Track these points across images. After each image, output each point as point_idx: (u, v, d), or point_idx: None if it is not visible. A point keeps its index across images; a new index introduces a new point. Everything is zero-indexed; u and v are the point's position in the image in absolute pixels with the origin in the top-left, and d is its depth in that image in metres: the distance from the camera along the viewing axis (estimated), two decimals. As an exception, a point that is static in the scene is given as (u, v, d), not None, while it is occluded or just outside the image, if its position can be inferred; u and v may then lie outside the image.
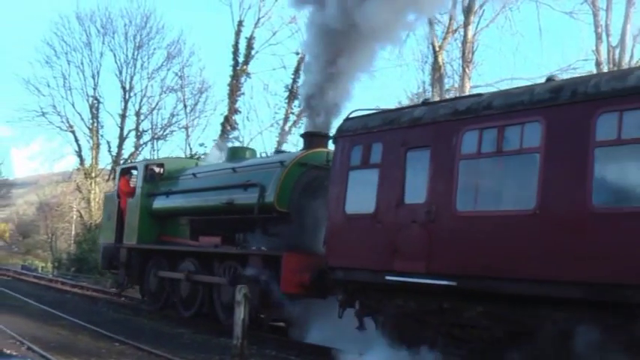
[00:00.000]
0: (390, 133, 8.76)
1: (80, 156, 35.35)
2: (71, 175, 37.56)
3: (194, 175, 13.33)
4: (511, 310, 7.30)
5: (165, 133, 34.52)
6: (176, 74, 33.46)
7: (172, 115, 33.76)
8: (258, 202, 10.96)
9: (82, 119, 35.99)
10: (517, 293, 7.09)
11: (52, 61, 35.34)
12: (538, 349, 6.96)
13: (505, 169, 7.41)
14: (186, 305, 12.77)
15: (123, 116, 34.79)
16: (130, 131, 34.94)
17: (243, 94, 28.77)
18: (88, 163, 34.84)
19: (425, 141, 8.26)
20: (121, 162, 31.86)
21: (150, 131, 34.48)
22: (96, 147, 34.69)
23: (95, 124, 34.88)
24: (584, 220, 6.50)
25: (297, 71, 26.62)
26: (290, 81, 27.41)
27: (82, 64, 35.33)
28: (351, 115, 9.83)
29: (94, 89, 35.49)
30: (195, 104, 32.83)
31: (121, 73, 34.95)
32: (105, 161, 37.94)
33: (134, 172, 15.09)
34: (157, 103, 34.41)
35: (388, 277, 8.36)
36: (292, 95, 27.39)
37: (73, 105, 36.80)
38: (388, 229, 8.44)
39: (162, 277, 13.38)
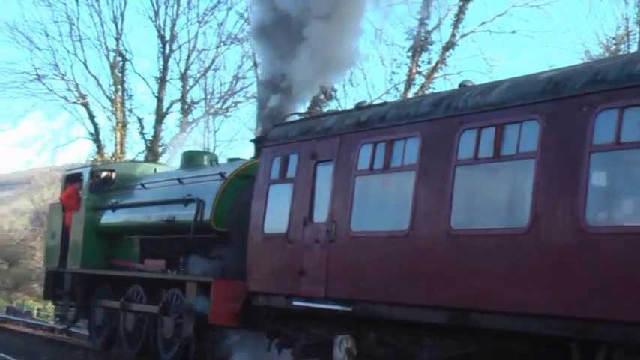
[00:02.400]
0: (304, 144, 12.08)
1: (97, 141, 34.55)
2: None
3: (142, 185, 17.04)
4: (396, 337, 10.45)
5: (226, 106, 33.80)
6: (241, 16, 31.36)
7: (237, 79, 32.55)
8: (195, 219, 14.49)
9: (100, 85, 34.56)
10: (398, 318, 10.22)
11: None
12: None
13: (389, 186, 10.57)
14: (131, 341, 16.48)
15: (162, 81, 33.55)
16: (172, 103, 33.72)
17: (342, 45, 30.50)
18: (109, 151, 33.85)
19: (330, 154, 11.52)
20: (159, 148, 32.63)
21: (203, 103, 33.41)
22: (121, 127, 33.66)
23: (120, 93, 33.72)
24: (443, 238, 9.55)
25: (428, 6, 26.97)
26: (415, 23, 27.07)
27: (97, 0, 33.84)
28: (284, 121, 13.23)
29: (117, 40, 34.07)
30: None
31: (157, 14, 33.06)
32: (136, 149, 35.59)
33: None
34: (213, 61, 32.51)
35: (295, 302, 11.69)
36: (419, 46, 27.59)
37: (85, 64, 34.95)
38: (296, 249, 11.78)
39: (103, 307, 17.17)
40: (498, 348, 9.25)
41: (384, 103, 11.67)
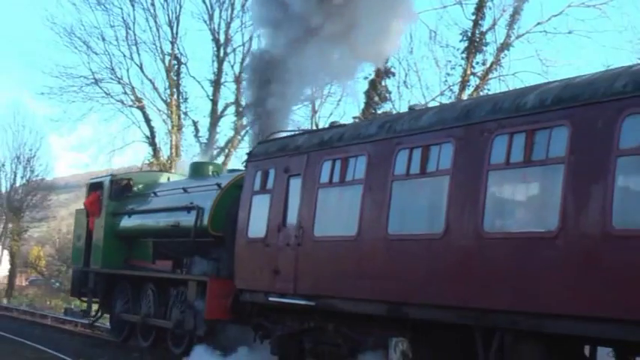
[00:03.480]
0: (280, 159, 14.19)
1: (153, 144, 35.65)
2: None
3: (155, 193, 19.35)
4: (350, 328, 12.51)
5: None
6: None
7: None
8: (195, 225, 16.72)
9: (155, 89, 35.68)
10: (351, 311, 12.27)
11: (107, 0, 35.78)
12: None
13: (343, 197, 12.63)
14: (146, 335, 18.79)
15: (216, 84, 34.58)
16: (227, 106, 34.60)
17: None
18: (165, 154, 34.81)
19: (300, 169, 13.61)
20: (214, 151, 33.84)
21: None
22: (177, 130, 34.74)
23: (175, 97, 34.81)
24: (382, 242, 11.56)
25: (480, 8, 27.32)
26: (470, 24, 27.39)
27: (152, 4, 34.76)
28: (268, 139, 15.38)
29: (173, 43, 35.15)
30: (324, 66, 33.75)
31: (211, 18, 33.99)
32: (191, 151, 35.86)
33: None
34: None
35: (270, 298, 13.81)
36: (473, 46, 27.94)
37: (140, 68, 36.07)
38: (272, 251, 13.89)
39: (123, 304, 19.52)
40: (427, 336, 11.23)
41: (344, 125, 13.72)
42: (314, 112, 33.60)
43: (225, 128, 37.25)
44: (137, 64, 36.35)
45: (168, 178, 20.87)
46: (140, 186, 20.63)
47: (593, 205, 8.75)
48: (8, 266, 52.13)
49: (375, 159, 12.06)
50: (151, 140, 36.11)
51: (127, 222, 19.97)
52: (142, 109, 36.15)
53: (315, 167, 13.26)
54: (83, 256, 21.18)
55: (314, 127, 28.84)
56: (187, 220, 17.13)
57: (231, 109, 35.39)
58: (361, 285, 11.95)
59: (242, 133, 34.71)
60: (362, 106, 29.64)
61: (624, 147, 8.58)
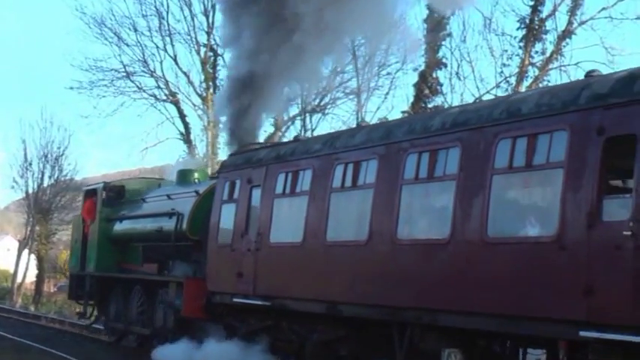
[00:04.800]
0: (245, 171, 16.33)
1: (188, 141, 35.63)
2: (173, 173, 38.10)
3: (144, 200, 21.60)
4: (301, 325, 14.60)
5: (323, 103, 34.08)
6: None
7: (335, 73, 32.45)
8: (175, 229, 18.93)
9: (191, 83, 35.26)
10: (298, 310, 14.37)
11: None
12: (309, 356, 14.20)
13: (293, 207, 14.72)
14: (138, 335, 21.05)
15: None
16: None
17: (449, 35, 28.23)
18: (200, 151, 34.54)
19: (260, 180, 15.72)
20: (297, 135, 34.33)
21: (299, 100, 33.19)
22: (213, 126, 33.97)
23: (212, 90, 34.21)
24: (322, 248, 13.64)
25: None
26: (528, 10, 26.65)
27: None
28: (239, 151, 17.54)
29: (208, 34, 34.41)
30: (371, 56, 31.55)
31: None
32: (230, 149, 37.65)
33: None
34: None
35: (234, 299, 15.95)
36: (532, 34, 27.26)
37: (174, 60, 35.57)
38: (237, 256, 16.02)
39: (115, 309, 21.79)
40: (359, 333, 13.29)
41: (297, 140, 15.82)
42: (360, 106, 33.60)
43: (265, 124, 36.01)
44: (171, 56, 36.28)
45: (159, 185, 22.95)
46: (132, 192, 22.78)
47: (475, 215, 10.75)
48: (36, 271, 52.61)
49: (319, 172, 14.12)
50: (186, 137, 36.15)
51: (119, 227, 22.26)
52: (176, 103, 36.19)
53: (272, 179, 15.35)
54: (80, 261, 23.42)
55: (361, 122, 29.92)
56: (169, 225, 19.32)
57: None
58: (306, 286, 14.02)
59: (283, 128, 35.09)
60: (411, 99, 29.66)
61: (498, 166, 10.55)
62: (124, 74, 36.85)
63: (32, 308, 42.17)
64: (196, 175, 21.45)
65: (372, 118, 31.87)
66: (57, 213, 51.76)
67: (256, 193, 15.86)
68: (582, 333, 9.21)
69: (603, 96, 9.45)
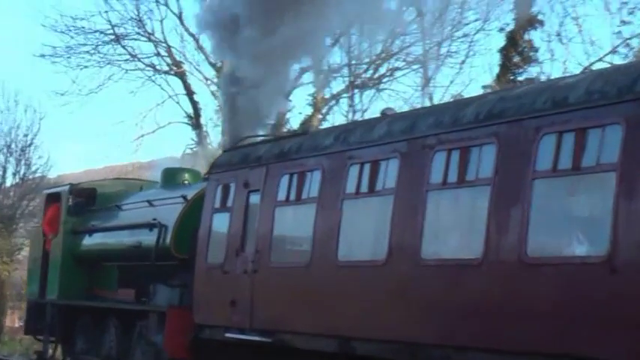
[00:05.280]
0: (241, 172, 17.24)
1: (198, 126, 35.89)
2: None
3: (119, 207, 22.50)
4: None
5: (378, 75, 34.25)
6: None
7: (393, 36, 32.53)
8: (157, 245, 19.81)
9: (201, 48, 35.42)
10: (305, 348, 15.23)
11: None
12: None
13: (298, 218, 15.59)
14: None
15: None
16: (303, 71, 33.45)
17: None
18: (214, 140, 34.69)
19: (259, 183, 16.61)
20: (308, 126, 31.72)
21: (347, 71, 33.60)
22: None
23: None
24: (332, 270, 14.51)
25: None
26: None
27: None
28: (234, 147, 18.47)
29: None
30: (442, 11, 31.58)
31: None
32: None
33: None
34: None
35: (227, 334, 16.86)
36: None
37: (179, 18, 35.79)
38: (230, 279, 16.92)
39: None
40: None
41: (305, 133, 16.70)
42: (426, 79, 33.74)
43: (301, 103, 37.49)
44: (174, 13, 36.42)
45: (141, 188, 23.64)
46: (105, 197, 23.57)
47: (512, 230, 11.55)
48: None
49: (329, 175, 14.97)
50: (195, 121, 36.37)
51: (88, 242, 23.22)
52: (181, 76, 36.37)
53: (274, 182, 16.23)
54: (39, 285, 24.34)
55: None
56: (149, 239, 20.19)
57: (309, 75, 34.67)
58: (312, 318, 14.90)
59: (323, 109, 35.34)
60: (496, 70, 29.66)
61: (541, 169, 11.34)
62: (113, 37, 36.89)
63: None
64: (186, 175, 22.19)
65: (442, 96, 31.97)
66: (23, 222, 49.92)
67: (255, 200, 16.73)
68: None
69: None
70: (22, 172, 49.78)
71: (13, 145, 49.41)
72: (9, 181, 50.41)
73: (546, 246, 11.34)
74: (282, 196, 16.03)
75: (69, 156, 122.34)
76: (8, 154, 49.65)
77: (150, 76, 37.38)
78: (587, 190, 11.02)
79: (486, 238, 11.87)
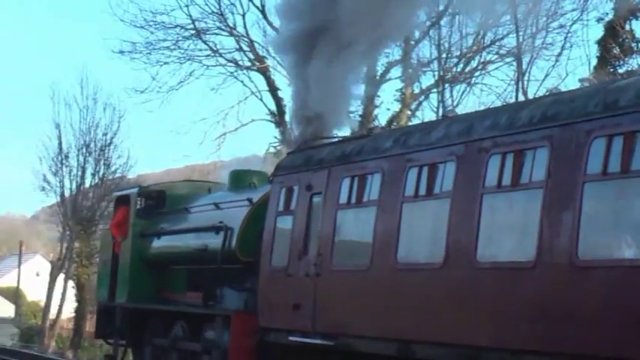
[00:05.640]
0: (304, 175, 17.55)
1: (282, 123, 35.57)
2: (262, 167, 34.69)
3: (187, 209, 22.89)
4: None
5: (469, 69, 34.30)
6: None
7: (485, 28, 32.70)
8: (223, 248, 20.18)
9: None
10: (365, 351, 15.50)
11: None
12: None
13: (359, 221, 15.85)
14: None
15: None
16: (390, 66, 33.50)
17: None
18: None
19: (321, 186, 16.90)
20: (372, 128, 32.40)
21: (437, 65, 33.62)
22: None
23: None
24: (391, 273, 14.75)
25: None
26: None
27: None
28: (300, 148, 18.79)
29: None
30: (536, 1, 31.18)
31: None
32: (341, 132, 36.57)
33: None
34: (450, 2, 31.44)
35: (291, 337, 17.17)
36: None
37: (262, 12, 35.88)
38: (293, 283, 17.23)
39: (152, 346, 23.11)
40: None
41: (368, 135, 16.95)
42: (520, 72, 33.24)
43: (388, 98, 36.21)
44: (257, 6, 36.48)
45: (209, 190, 23.93)
46: (174, 199, 23.83)
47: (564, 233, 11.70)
48: (74, 304, 51.25)
49: (390, 177, 15.21)
50: (279, 118, 36.29)
51: (157, 244, 23.60)
52: (264, 72, 36.38)
53: (336, 184, 16.50)
54: (109, 289, 24.84)
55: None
56: (215, 242, 20.57)
57: (397, 70, 34.77)
58: (373, 321, 15.15)
59: (412, 104, 35.17)
60: (594, 62, 29.45)
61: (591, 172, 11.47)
62: (193, 32, 36.97)
63: (70, 355, 42.31)
64: (254, 177, 22.45)
65: (537, 90, 31.71)
66: (102, 224, 47.84)
67: (318, 203, 17.02)
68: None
69: None
70: (101, 173, 50.39)
71: (92, 145, 49.95)
72: (88, 182, 50.61)
73: (597, 249, 11.48)
74: (343, 198, 16.29)
75: (149, 155, 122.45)
76: (87, 154, 50.05)
77: (232, 72, 37.52)
78: (637, 193, 11.13)
79: (539, 242, 12.04)
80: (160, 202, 24.19)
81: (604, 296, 11.22)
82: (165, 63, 37.50)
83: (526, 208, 12.59)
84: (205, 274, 21.42)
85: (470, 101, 34.25)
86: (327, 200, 16.71)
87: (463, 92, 34.87)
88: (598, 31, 29.93)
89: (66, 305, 52.57)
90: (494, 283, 12.86)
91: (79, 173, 50.10)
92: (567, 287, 11.68)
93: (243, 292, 19.99)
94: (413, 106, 35.35)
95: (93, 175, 50.41)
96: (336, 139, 18.24)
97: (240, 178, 22.48)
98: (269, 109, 37.07)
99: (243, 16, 36.77)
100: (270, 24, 36.32)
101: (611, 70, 28.50)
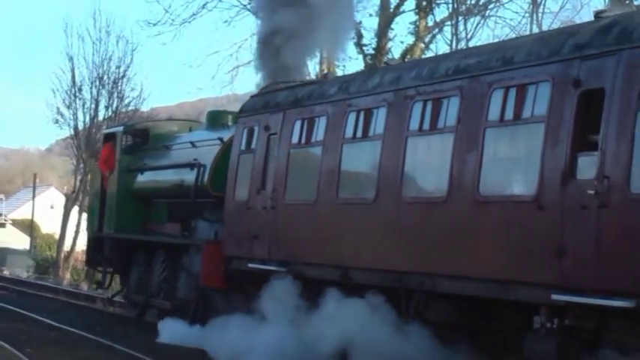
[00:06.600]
0: (263, 116, 19.62)
1: None
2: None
3: (167, 147, 24.97)
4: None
5: (483, 1, 34.53)
6: None
7: None
8: (196, 183, 22.30)
9: None
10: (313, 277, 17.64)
11: None
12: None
13: (307, 160, 17.94)
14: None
15: None
16: None
17: None
18: (311, 71, 34.45)
19: (277, 127, 18.98)
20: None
21: None
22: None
23: None
24: (334, 208, 16.86)
25: None
26: None
27: None
28: (260, 92, 20.87)
29: None
30: None
31: None
32: (351, 67, 36.37)
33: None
34: None
35: (250, 265, 19.35)
36: None
37: None
38: (253, 215, 19.37)
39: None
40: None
41: (322, 80, 19.02)
42: (535, 5, 33.46)
43: (402, 32, 38.64)
44: None
45: (190, 129, 26.09)
46: (157, 137, 26.10)
47: (468, 172, 13.82)
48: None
49: (332, 120, 17.28)
50: None
51: (141, 179, 25.76)
52: None
53: (289, 126, 18.57)
54: (97, 220, 27.09)
55: (538, 28, 29.03)
56: (190, 178, 22.73)
57: (410, 2, 35.13)
58: (318, 249, 17.29)
59: (426, 38, 35.64)
60: None
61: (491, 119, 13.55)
62: None
63: (85, 286, 42.78)
64: (229, 117, 24.33)
65: (552, 22, 32.12)
66: None
67: (274, 143, 19.08)
68: (554, 297, 12.20)
69: (581, 46, 12.34)
70: (114, 106, 51.36)
71: (105, 78, 50.75)
72: (101, 115, 51.52)
73: (494, 187, 13.61)
74: (295, 139, 18.34)
75: (162, 88, 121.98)
76: (100, 87, 50.84)
77: (245, 5, 38.12)
78: (524, 138, 13.20)
79: (450, 180, 14.14)
80: (144, 140, 26.38)
81: (498, 227, 13.35)
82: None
83: (441, 150, 14.62)
84: (182, 207, 23.58)
85: (484, 34, 35.56)
86: (281, 140, 18.76)
87: (477, 25, 35.36)
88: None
89: (80, 237, 52.52)
90: (414, 216, 14.96)
91: (93, 106, 51.13)
92: (471, 219, 13.80)
93: (215, 223, 22.11)
94: (427, 39, 35.98)
95: (106, 107, 51.34)
96: (293, 84, 20.13)
97: (216, 118, 24.53)
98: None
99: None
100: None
101: (627, 1, 28.31)
